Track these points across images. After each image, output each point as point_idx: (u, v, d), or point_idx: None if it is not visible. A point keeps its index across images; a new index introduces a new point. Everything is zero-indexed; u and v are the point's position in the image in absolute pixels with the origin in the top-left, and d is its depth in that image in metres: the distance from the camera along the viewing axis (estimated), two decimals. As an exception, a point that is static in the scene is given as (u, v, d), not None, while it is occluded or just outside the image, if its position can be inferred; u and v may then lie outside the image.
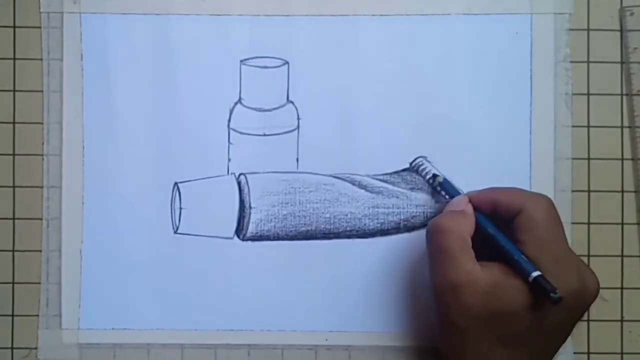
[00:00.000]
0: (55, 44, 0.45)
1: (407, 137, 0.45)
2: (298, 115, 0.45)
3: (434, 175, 0.44)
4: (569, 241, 0.44)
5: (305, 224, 0.44)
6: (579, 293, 0.37)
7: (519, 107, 0.45)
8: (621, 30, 0.45)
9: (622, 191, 0.45)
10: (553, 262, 0.37)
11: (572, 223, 0.44)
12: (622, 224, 0.45)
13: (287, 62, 0.45)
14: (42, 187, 0.45)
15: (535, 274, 0.36)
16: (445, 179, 0.43)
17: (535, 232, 0.38)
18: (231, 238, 0.45)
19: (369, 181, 0.45)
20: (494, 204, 0.40)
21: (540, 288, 0.36)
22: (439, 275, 0.38)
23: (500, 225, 0.40)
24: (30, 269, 0.45)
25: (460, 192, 0.43)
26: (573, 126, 0.45)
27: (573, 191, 0.45)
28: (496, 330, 0.37)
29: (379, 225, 0.44)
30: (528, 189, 0.44)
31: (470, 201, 0.41)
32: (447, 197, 0.43)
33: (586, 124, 0.45)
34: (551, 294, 0.35)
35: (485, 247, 0.39)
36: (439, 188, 0.43)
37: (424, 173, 0.44)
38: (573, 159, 0.45)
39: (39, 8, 0.45)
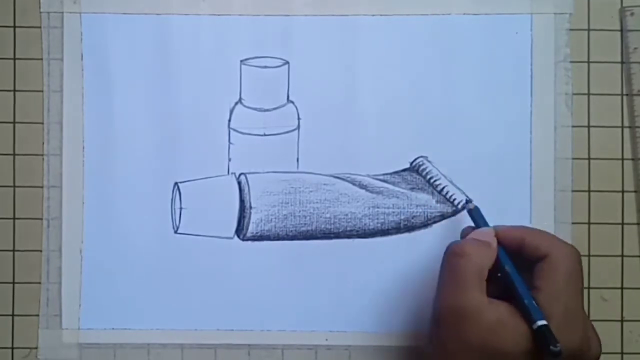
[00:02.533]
0: (56, 43, 0.45)
1: (407, 137, 0.45)
2: (298, 115, 0.45)
3: (467, 202, 0.43)
4: (569, 241, 0.44)
5: (305, 223, 0.44)
6: (581, 354, 0.36)
7: (519, 107, 0.45)
8: (621, 30, 0.45)
9: (622, 191, 0.45)
10: (563, 316, 0.36)
11: (572, 223, 0.44)
12: (622, 224, 0.45)
13: (287, 62, 0.45)
14: (42, 187, 0.45)
15: (541, 322, 0.35)
16: (476, 207, 0.42)
17: (554, 282, 0.36)
18: (231, 238, 0.45)
19: (369, 181, 0.45)
20: (520, 243, 0.38)
21: (543, 338, 0.35)
22: (446, 297, 0.37)
23: (520, 266, 0.38)
24: (31, 268, 0.45)
25: (488, 223, 0.41)
26: (573, 126, 0.45)
27: (573, 191, 0.45)
28: None
29: (379, 225, 0.44)
30: (529, 190, 0.44)
31: (496, 235, 0.39)
32: (473, 225, 0.42)
33: (586, 124, 0.45)
34: (551, 347, 0.34)
35: (498, 285, 0.38)
36: (467, 214, 0.42)
37: (424, 173, 0.44)
38: (573, 159, 0.45)
39: (39, 8, 0.45)
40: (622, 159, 0.45)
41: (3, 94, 0.45)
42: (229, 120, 0.45)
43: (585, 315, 0.38)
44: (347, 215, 0.44)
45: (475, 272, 0.37)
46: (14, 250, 0.45)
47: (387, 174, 0.45)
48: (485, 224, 0.41)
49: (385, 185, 0.44)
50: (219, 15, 0.45)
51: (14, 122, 0.45)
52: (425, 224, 0.44)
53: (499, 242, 0.39)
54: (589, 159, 0.45)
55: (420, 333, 0.44)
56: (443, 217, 0.44)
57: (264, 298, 0.45)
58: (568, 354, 0.35)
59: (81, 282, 0.45)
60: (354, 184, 0.44)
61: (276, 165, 0.45)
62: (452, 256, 0.38)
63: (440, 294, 0.38)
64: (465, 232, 0.41)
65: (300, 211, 0.44)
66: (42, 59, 0.45)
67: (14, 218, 0.45)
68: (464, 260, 0.37)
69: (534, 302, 0.36)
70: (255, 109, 0.45)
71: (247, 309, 0.45)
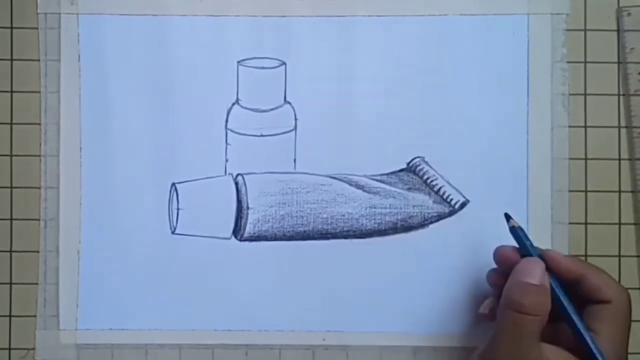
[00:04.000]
0: (53, 44, 0.45)
1: (404, 138, 0.45)
2: (295, 116, 0.45)
3: (508, 218, 0.40)
4: (566, 241, 0.44)
5: (302, 224, 0.44)
6: None
7: (516, 108, 0.45)
8: (618, 31, 0.45)
9: (619, 191, 0.45)
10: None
11: (570, 223, 0.44)
12: (620, 224, 0.45)
13: (284, 63, 0.45)
14: (39, 188, 0.45)
15: None
16: (520, 228, 0.40)
17: (614, 328, 0.37)
18: (228, 238, 0.45)
19: (366, 181, 0.45)
20: (580, 279, 0.38)
21: None
22: (505, 353, 0.36)
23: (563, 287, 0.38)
24: (28, 269, 0.45)
25: (532, 247, 0.39)
26: (570, 126, 0.45)
27: (570, 191, 0.45)
28: None
29: (376, 225, 0.44)
30: (526, 190, 0.44)
31: (546, 262, 0.38)
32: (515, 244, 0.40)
33: (583, 124, 0.45)
34: None
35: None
36: (510, 232, 0.40)
37: (421, 173, 0.44)
38: (570, 159, 0.45)
39: (37, 9, 0.45)
40: (619, 159, 0.45)
41: (1, 94, 0.45)
42: (226, 121, 0.45)
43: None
44: (344, 215, 0.44)
45: (535, 327, 0.36)
46: (11, 251, 0.45)
47: (384, 174, 0.45)
48: (530, 247, 0.39)
49: (382, 185, 0.44)
50: (216, 16, 0.45)
51: (11, 123, 0.45)
52: (422, 224, 0.44)
53: (551, 272, 0.38)
54: (585, 159, 0.45)
55: (417, 332, 0.44)
56: (440, 217, 0.44)
57: (262, 298, 0.45)
58: None
59: (79, 282, 0.45)
60: (350, 185, 0.44)
61: (273, 166, 0.45)
62: (510, 310, 0.37)
63: (498, 346, 0.37)
64: (502, 254, 0.40)
65: (297, 212, 0.44)
66: (39, 60, 0.45)
67: (11, 219, 0.45)
68: (523, 315, 0.36)
69: (599, 348, 0.36)
70: (252, 109, 0.45)
71: (245, 309, 0.45)
